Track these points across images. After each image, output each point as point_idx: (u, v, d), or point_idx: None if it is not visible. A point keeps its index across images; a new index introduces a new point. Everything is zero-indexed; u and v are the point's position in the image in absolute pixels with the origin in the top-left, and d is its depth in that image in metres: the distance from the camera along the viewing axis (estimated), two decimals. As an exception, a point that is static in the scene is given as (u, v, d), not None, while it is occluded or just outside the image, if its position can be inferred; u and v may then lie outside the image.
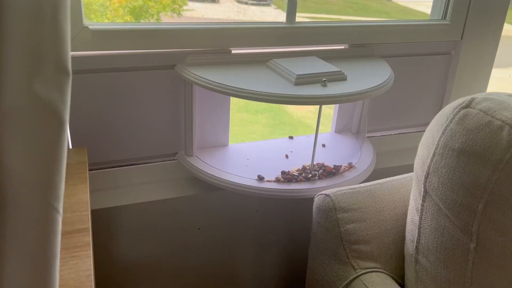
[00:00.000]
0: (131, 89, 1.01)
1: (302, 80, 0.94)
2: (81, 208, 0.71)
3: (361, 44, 1.18)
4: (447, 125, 0.75)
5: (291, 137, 1.24)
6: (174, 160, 1.13)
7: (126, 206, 1.04)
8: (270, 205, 1.17)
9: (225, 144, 1.17)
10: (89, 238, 0.64)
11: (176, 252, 1.13)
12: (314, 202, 0.94)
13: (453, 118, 0.74)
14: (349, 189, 0.94)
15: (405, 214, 0.95)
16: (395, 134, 1.36)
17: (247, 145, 1.19)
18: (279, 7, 1.23)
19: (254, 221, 1.18)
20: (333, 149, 1.19)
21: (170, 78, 1.04)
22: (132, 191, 1.08)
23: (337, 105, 1.24)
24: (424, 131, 1.40)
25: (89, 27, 0.92)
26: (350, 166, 1.10)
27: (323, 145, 1.20)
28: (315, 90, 0.92)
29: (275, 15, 1.21)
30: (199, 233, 1.13)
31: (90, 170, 1.06)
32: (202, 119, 1.10)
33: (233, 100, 1.15)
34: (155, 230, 1.09)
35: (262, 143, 1.21)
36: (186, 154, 1.10)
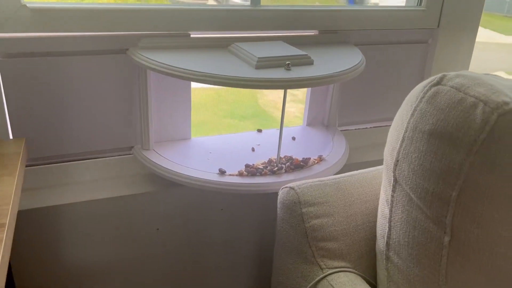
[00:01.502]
0: (78, 75, 0.93)
1: (264, 63, 0.87)
2: (2, 201, 0.62)
3: (332, 30, 1.10)
4: (417, 105, 0.68)
5: (259, 130, 1.16)
6: (129, 154, 1.04)
7: (75, 205, 0.95)
8: (237, 202, 1.08)
9: (186, 138, 1.08)
10: (3, 235, 0.55)
11: (131, 256, 1.04)
12: (278, 196, 0.86)
13: (423, 97, 0.67)
14: (316, 181, 0.86)
15: (377, 209, 0.87)
16: (370, 127, 1.29)
17: (211, 138, 1.11)
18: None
19: (220, 220, 1.09)
20: (304, 142, 1.12)
21: (122, 63, 0.95)
22: (82, 188, 0.99)
23: (308, 96, 1.17)
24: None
25: (28, 5, 0.84)
26: (320, 159, 1.02)
27: (293, 138, 1.13)
28: (278, 73, 0.84)
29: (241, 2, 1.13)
30: (158, 234, 1.04)
31: (36, 165, 0.97)
32: (159, 110, 1.02)
33: (221, 106, 1.07)
34: (107, 232, 1.00)
35: (228, 136, 1.12)
36: (143, 148, 1.01)
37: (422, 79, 1.29)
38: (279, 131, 1.16)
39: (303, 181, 0.86)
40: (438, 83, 0.66)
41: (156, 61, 0.86)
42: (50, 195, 0.96)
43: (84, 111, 0.96)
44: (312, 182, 0.86)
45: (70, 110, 0.95)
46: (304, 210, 0.82)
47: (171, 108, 1.03)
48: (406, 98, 0.72)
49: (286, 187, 0.85)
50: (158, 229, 1.04)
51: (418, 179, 0.68)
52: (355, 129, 1.27)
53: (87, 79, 0.94)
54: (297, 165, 0.98)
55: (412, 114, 0.68)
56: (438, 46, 1.25)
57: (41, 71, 0.89)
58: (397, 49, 1.21)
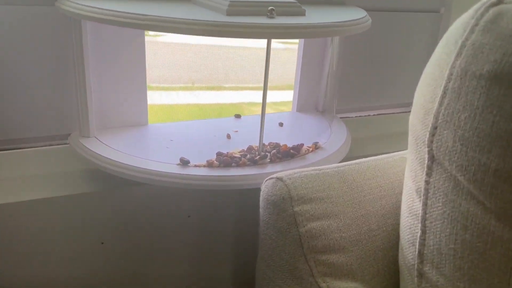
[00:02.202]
0: (-13, 33, 0.68)
1: (238, 9, 0.63)
2: None
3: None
4: (466, 38, 0.44)
5: (238, 116, 0.92)
6: (65, 144, 0.79)
7: (-15, 211, 0.69)
8: (207, 204, 0.83)
9: (141, 124, 0.84)
10: None
11: (67, 276, 0.78)
12: (261, 191, 0.62)
13: (476, 25, 0.44)
14: (312, 170, 0.62)
15: (398, 205, 0.64)
16: (373, 115, 1.06)
17: (174, 125, 0.86)
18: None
19: (185, 228, 0.84)
20: (294, 128, 0.88)
21: (50, 19, 0.71)
22: (1, 187, 0.74)
23: (298, 74, 0.94)
24: (408, 112, 1.12)
25: None
26: (316, 147, 0.78)
27: (280, 124, 0.89)
28: (258, 20, 0.61)
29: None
30: (103, 248, 0.79)
31: None
32: (103, 84, 0.77)
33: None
34: (35, 245, 0.74)
35: (197, 122, 0.88)
36: (81, 135, 0.76)
37: (434, 56, 1.07)
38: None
39: (294, 170, 0.62)
40: (500, 1, 0.43)
41: (96, 7, 0.62)
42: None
43: (3, 87, 0.71)
44: (306, 171, 0.62)
45: (-23, 81, 0.70)
46: (297, 208, 0.58)
47: (119, 82, 0.79)
48: (444, 37, 0.49)
49: (271, 178, 0.61)
50: (102, 243, 0.78)
51: (471, 151, 0.44)
52: (355, 116, 1.04)
53: (2, 40, 0.69)
54: (285, 153, 0.74)
55: (459, 54, 0.45)
56: (452, 16, 1.04)
57: None
58: (403, 18, 0.99)
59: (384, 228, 0.63)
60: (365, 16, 0.73)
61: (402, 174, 0.67)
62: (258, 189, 0.69)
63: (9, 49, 0.70)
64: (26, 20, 0.69)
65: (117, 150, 0.73)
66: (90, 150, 0.73)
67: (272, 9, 0.64)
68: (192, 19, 0.58)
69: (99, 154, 0.72)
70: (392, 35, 0.99)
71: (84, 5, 0.64)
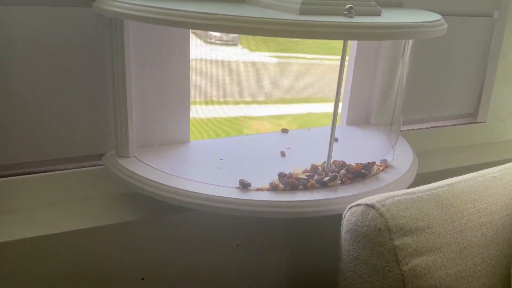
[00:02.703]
0: (18, 40, 0.59)
1: (312, 7, 0.55)
2: None
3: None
4: None
5: (285, 131, 0.83)
6: (98, 166, 0.69)
7: (13, 244, 0.59)
8: (260, 233, 0.73)
9: (184, 141, 0.74)
10: None
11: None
12: (345, 221, 0.52)
13: None
14: (403, 194, 0.53)
15: (498, 233, 0.54)
16: (425, 128, 0.97)
17: (218, 142, 0.77)
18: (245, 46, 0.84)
19: (233, 259, 0.74)
20: (350, 144, 0.79)
21: (86, 22, 0.62)
22: (26, 218, 0.63)
23: (349, 85, 0.85)
24: (460, 124, 1.03)
25: None
26: (386, 165, 0.69)
27: (336, 140, 0.80)
28: (335, 19, 0.52)
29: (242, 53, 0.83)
30: (143, 285, 0.68)
31: None
32: (144, 97, 0.68)
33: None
34: (68, 283, 0.64)
35: (242, 138, 0.79)
36: (119, 155, 0.67)
37: (485, 67, 0.99)
38: (310, 131, 0.83)
39: (384, 195, 0.53)
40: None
41: (146, 6, 0.53)
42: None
43: (27, 100, 0.61)
44: (398, 195, 0.53)
45: (4, 96, 0.60)
46: (397, 242, 0.48)
47: (162, 94, 0.69)
48: None
49: (358, 204, 0.52)
50: (143, 279, 0.68)
51: None
52: (407, 130, 0.95)
53: (28, 45, 0.60)
54: (356, 173, 0.64)
55: None
56: (508, 21, 0.96)
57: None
58: (453, 23, 0.91)
59: (488, 262, 0.53)
60: (441, 18, 0.65)
61: (498, 196, 0.58)
62: (331, 217, 0.59)
63: (36, 58, 0.60)
64: (55, 24, 0.60)
65: (163, 171, 0.64)
66: (132, 171, 0.63)
67: (350, 7, 0.55)
68: (265, 18, 0.50)
69: (143, 176, 0.62)
70: (442, 42, 0.91)
71: (131, 3, 0.55)
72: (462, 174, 0.90)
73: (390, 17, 0.60)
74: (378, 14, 0.60)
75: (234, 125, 0.87)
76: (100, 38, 0.63)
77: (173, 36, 0.67)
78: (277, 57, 0.88)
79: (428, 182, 0.73)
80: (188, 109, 0.73)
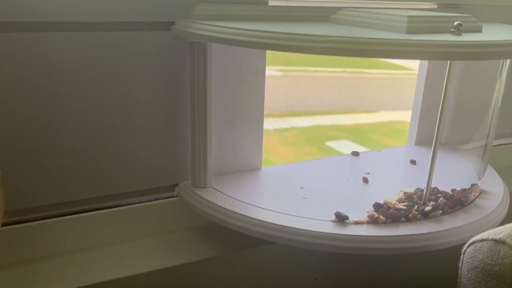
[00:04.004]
0: (84, 65, 0.55)
1: (418, 25, 0.51)
2: None
3: (453, 3, 0.76)
4: None
5: (355, 153, 0.78)
6: (171, 197, 0.65)
7: (88, 288, 0.55)
8: (339, 265, 0.69)
9: (256, 167, 0.70)
10: None
11: None
12: (467, 257, 0.48)
13: None
14: (527, 226, 0.48)
15: None
16: (497, 145, 0.93)
17: (289, 167, 0.73)
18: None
19: (313, 295, 0.69)
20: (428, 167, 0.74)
21: (163, 46, 0.58)
22: (92, 259, 0.59)
23: (419, 105, 0.81)
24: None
25: None
26: (480, 191, 0.64)
27: (413, 162, 0.75)
28: (446, 38, 0.48)
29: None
30: (223, 326, 0.64)
31: (12, 223, 0.56)
32: (222, 124, 0.64)
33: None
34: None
35: (314, 163, 0.75)
36: (195, 185, 0.62)
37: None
38: (380, 152, 0.79)
39: (506, 227, 0.48)
40: None
41: (229, 27, 0.49)
42: (45, 273, 0.55)
43: (100, 131, 0.57)
44: (523, 228, 0.48)
45: (76, 125, 0.56)
46: (538, 283, 0.43)
47: (237, 121, 0.65)
48: None
49: (482, 239, 0.47)
50: (223, 318, 0.63)
51: None
52: (472, 148, 0.91)
53: (105, 70, 0.56)
54: (456, 201, 0.60)
55: None
56: None
57: (20, 54, 0.51)
58: None
59: None
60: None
61: None
62: (433, 253, 0.55)
63: (111, 86, 0.56)
64: (131, 50, 0.56)
65: (244, 201, 0.59)
66: (212, 202, 0.59)
67: (459, 24, 0.51)
68: (369, 37, 0.45)
69: (225, 208, 0.58)
70: None
71: (214, 25, 0.51)
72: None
73: (491, 33, 0.56)
74: (479, 30, 0.56)
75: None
76: (179, 64, 0.59)
77: (248, 60, 0.63)
78: (281, 70, 0.84)
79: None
80: (261, 134, 0.68)
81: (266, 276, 0.65)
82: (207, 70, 0.57)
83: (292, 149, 0.86)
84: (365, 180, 0.67)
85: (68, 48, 0.53)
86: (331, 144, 0.90)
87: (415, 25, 0.50)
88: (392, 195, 0.62)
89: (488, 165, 0.75)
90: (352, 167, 0.73)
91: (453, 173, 0.72)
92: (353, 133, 0.92)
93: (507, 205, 0.63)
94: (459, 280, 0.49)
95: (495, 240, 0.46)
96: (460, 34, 0.51)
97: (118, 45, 0.55)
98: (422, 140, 0.83)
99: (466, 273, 0.48)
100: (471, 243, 0.48)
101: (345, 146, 0.90)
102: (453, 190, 0.61)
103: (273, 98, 0.78)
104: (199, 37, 0.53)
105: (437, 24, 0.52)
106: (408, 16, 0.50)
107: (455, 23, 0.51)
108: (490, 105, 0.66)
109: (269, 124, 0.80)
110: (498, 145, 0.93)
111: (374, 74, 0.91)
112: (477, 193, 0.63)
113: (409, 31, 0.50)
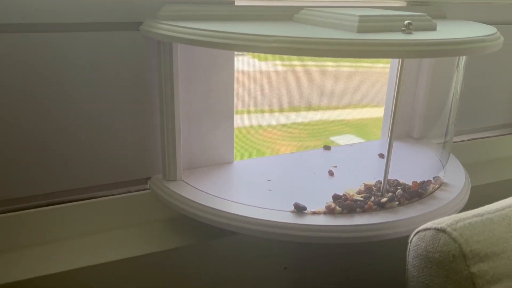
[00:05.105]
0: (62, 64, 0.58)
1: (369, 24, 0.53)
2: None
3: (424, 0, 0.78)
4: None
5: (327, 147, 0.81)
6: (144, 190, 0.68)
7: (59, 276, 0.58)
8: (308, 254, 0.71)
9: (228, 161, 0.73)
10: None
11: None
12: (412, 246, 0.50)
13: None
14: (472, 216, 0.51)
15: None
16: (466, 140, 0.95)
17: (262, 161, 0.75)
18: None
19: (281, 282, 0.72)
20: (397, 160, 0.77)
21: (132, 45, 0.61)
22: (71, 247, 0.62)
23: (392, 99, 0.83)
24: (505, 134, 1.00)
25: None
26: (441, 183, 0.67)
27: (381, 155, 0.78)
28: (396, 36, 0.51)
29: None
30: (193, 312, 0.67)
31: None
32: (191, 118, 0.67)
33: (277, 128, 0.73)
34: (115, 315, 0.62)
35: (285, 157, 0.77)
36: (166, 179, 0.65)
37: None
38: (353, 147, 0.81)
39: (454, 217, 0.50)
40: None
41: (192, 28, 0.52)
42: (21, 262, 0.58)
43: (72, 125, 0.60)
44: (467, 217, 0.50)
45: (50, 121, 0.59)
46: (474, 269, 0.46)
47: (207, 115, 0.68)
48: None
49: (427, 228, 0.49)
50: (193, 305, 0.66)
51: None
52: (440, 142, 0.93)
53: (75, 70, 0.59)
54: (413, 193, 0.62)
55: None
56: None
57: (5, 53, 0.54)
58: (504, 32, 0.89)
59: None
60: (496, 31, 0.62)
61: None
62: (389, 242, 0.57)
63: (83, 83, 0.59)
64: (102, 50, 0.59)
65: (212, 194, 0.62)
66: (181, 195, 0.62)
67: (409, 23, 0.53)
68: (323, 37, 0.48)
69: (193, 200, 0.60)
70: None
71: (178, 26, 0.54)
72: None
73: (446, 31, 0.58)
74: (434, 28, 0.58)
75: (242, 134, 0.84)
76: (147, 62, 0.62)
77: (217, 56, 0.66)
78: (284, 65, 0.86)
79: (478, 197, 0.70)
80: (232, 129, 0.71)
81: (234, 265, 0.68)
82: (173, 69, 0.60)
83: (296, 143, 0.88)
84: (331, 173, 0.70)
85: (39, 48, 0.56)
86: (335, 138, 0.92)
87: (366, 24, 0.53)
88: (355, 187, 0.65)
89: (456, 159, 0.77)
90: (322, 161, 0.76)
91: (420, 166, 0.74)
92: (358, 127, 0.94)
93: (466, 197, 0.65)
94: (406, 267, 0.51)
95: (437, 229, 0.49)
96: (411, 33, 0.53)
97: (89, 45, 0.58)
98: (396, 134, 0.85)
99: (411, 260, 0.50)
100: (417, 232, 0.50)
101: (349, 141, 0.91)
102: (414, 183, 0.64)
103: (277, 93, 0.80)
104: (162, 37, 0.55)
105: (388, 23, 0.54)
106: (360, 16, 0.53)
107: (406, 22, 0.53)
108: (448, 100, 0.68)
109: (273, 119, 0.83)
110: (473, 139, 0.95)
111: (381, 68, 0.92)
112: (437, 185, 0.65)
113: (359, 30, 0.52)
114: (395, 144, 0.83)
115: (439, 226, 0.49)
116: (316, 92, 0.86)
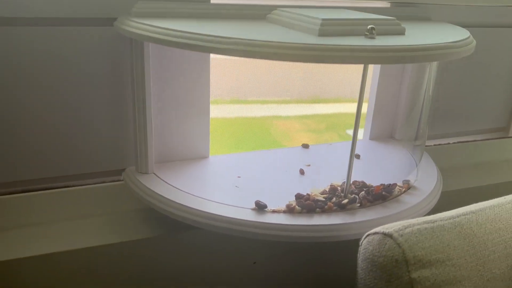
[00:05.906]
0: (39, 57, 0.60)
1: (331, 28, 0.53)
2: None
3: (408, 1, 0.78)
4: None
5: (305, 146, 0.81)
6: (118, 181, 0.70)
7: (33, 260, 0.61)
8: (277, 250, 0.73)
9: (203, 156, 0.74)
10: None
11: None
12: (362, 249, 0.51)
13: None
14: (423, 223, 0.51)
15: (531, 269, 0.52)
16: (452, 143, 0.94)
17: (238, 156, 0.77)
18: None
19: (250, 276, 0.73)
20: (373, 161, 0.77)
21: (106, 41, 0.63)
22: (45, 233, 0.65)
23: (374, 100, 0.83)
24: (492, 139, 0.99)
25: None
26: (408, 186, 0.67)
27: (357, 156, 0.78)
28: (356, 41, 0.51)
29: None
30: (160, 301, 0.69)
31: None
32: (163, 113, 0.68)
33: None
34: (83, 300, 0.65)
35: (262, 153, 0.78)
36: (138, 171, 0.67)
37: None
38: (331, 146, 0.82)
39: (402, 223, 0.51)
40: None
41: (163, 28, 0.53)
42: (-8, 244, 0.62)
43: (47, 116, 0.63)
44: (417, 224, 0.51)
45: (27, 112, 0.61)
46: (415, 275, 0.47)
47: (181, 110, 0.69)
48: None
49: (376, 233, 0.50)
50: (160, 294, 0.69)
51: None
52: (433, 145, 0.92)
53: (50, 64, 0.61)
54: (377, 195, 0.63)
55: None
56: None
57: (-23, 48, 0.57)
58: (488, 35, 0.88)
59: (513, 296, 0.51)
60: (469, 36, 0.62)
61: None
62: (348, 243, 0.58)
63: (57, 76, 0.61)
64: (77, 44, 0.61)
65: (181, 189, 0.64)
66: (150, 189, 0.63)
67: (372, 27, 0.53)
68: (283, 41, 0.49)
69: (160, 195, 0.62)
70: (475, 55, 0.88)
71: (147, 25, 0.55)
72: (491, 192, 0.87)
73: (415, 35, 0.58)
74: (401, 33, 0.58)
75: (261, 125, 0.85)
76: (121, 57, 0.64)
77: (193, 52, 0.67)
78: None
79: (456, 200, 0.71)
80: (208, 124, 0.72)
81: (204, 258, 0.69)
82: (144, 64, 0.61)
83: (313, 136, 0.88)
84: (302, 172, 0.71)
85: (13, 42, 0.58)
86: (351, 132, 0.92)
87: (328, 28, 0.53)
88: (323, 187, 0.66)
89: (433, 163, 0.77)
90: (297, 159, 0.76)
91: (394, 168, 0.74)
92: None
93: (433, 202, 0.66)
94: (357, 269, 0.52)
95: (384, 234, 0.49)
96: (373, 38, 0.53)
97: (64, 39, 0.60)
98: (376, 135, 0.86)
99: (360, 263, 0.51)
100: (367, 236, 0.51)
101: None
102: (377, 186, 0.64)
103: (296, 85, 0.81)
104: (133, 35, 0.56)
105: (352, 27, 0.54)
106: (323, 19, 0.53)
107: (369, 26, 0.53)
108: (419, 102, 0.68)
109: (290, 110, 0.84)
110: (459, 142, 0.94)
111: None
112: (404, 189, 0.66)
113: (320, 34, 0.53)
114: (375, 145, 0.84)
115: (386, 231, 0.49)
116: (335, 84, 0.86)
